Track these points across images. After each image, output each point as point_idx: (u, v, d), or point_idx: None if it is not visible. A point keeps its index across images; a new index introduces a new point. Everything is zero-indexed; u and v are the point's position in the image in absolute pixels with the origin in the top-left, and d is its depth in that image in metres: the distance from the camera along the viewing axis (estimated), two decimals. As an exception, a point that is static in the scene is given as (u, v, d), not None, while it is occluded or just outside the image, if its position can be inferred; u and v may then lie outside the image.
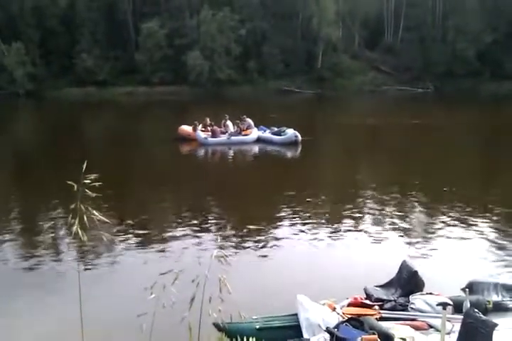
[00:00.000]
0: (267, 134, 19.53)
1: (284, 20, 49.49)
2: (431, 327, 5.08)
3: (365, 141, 21.06)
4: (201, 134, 19.53)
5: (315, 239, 8.79)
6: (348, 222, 9.66)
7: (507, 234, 8.81)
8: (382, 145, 19.60)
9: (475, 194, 11.82)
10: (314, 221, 9.75)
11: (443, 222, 9.56)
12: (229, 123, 20.10)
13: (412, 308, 5.40)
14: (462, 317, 4.85)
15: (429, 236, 8.93)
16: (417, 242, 8.59)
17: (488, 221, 9.53)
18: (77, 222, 3.08)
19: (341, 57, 48.91)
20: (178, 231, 9.21)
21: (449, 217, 9.85)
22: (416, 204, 10.95)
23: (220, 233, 9.11)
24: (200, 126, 19.92)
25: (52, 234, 9.10)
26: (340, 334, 4.62)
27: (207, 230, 9.32)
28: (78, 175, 3.16)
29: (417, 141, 19.78)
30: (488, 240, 8.58)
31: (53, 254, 8.17)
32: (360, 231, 9.17)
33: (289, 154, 18.09)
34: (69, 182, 3.12)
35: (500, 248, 8.18)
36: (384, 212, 10.31)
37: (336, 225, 9.57)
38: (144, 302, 3.21)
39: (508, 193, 11.72)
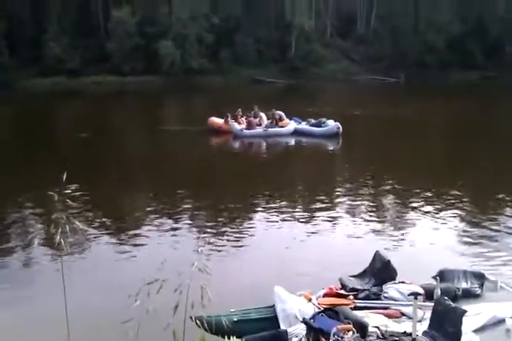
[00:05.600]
0: (304, 126, 18.88)
1: (257, 8, 49.14)
2: (403, 314, 5.24)
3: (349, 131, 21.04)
4: (237, 126, 18.66)
5: (291, 231, 8.93)
6: (323, 215, 9.81)
7: (475, 224, 9.08)
8: (366, 136, 19.68)
9: (445, 185, 12.08)
10: (292, 214, 9.87)
11: (414, 213, 9.80)
12: (262, 114, 19.36)
13: (385, 297, 5.55)
14: (433, 304, 5.03)
15: (401, 227, 9.16)
16: (390, 233, 8.79)
17: (458, 211, 9.79)
18: (58, 232, 3.09)
19: (314, 46, 48.94)
20: (168, 230, 9.08)
21: (421, 208, 10.08)
22: (389, 196, 11.16)
23: (204, 229, 9.10)
24: (229, 117, 18.97)
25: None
26: (316, 325, 4.74)
27: (192, 224, 9.40)
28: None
29: (395, 132, 19.80)
30: (458, 230, 8.87)
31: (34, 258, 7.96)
32: (335, 223, 9.34)
33: (330, 146, 17.70)
34: (50, 193, 3.13)
35: (469, 237, 8.45)
36: (358, 204, 10.50)
37: (312, 218, 9.71)
38: (127, 309, 3.16)
39: (476, 184, 12.07)
